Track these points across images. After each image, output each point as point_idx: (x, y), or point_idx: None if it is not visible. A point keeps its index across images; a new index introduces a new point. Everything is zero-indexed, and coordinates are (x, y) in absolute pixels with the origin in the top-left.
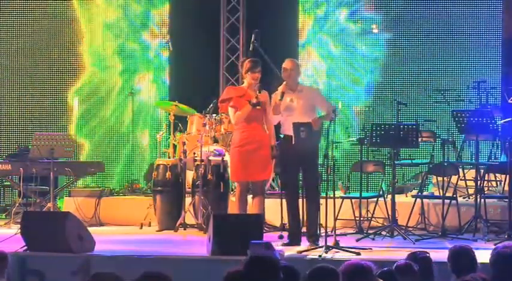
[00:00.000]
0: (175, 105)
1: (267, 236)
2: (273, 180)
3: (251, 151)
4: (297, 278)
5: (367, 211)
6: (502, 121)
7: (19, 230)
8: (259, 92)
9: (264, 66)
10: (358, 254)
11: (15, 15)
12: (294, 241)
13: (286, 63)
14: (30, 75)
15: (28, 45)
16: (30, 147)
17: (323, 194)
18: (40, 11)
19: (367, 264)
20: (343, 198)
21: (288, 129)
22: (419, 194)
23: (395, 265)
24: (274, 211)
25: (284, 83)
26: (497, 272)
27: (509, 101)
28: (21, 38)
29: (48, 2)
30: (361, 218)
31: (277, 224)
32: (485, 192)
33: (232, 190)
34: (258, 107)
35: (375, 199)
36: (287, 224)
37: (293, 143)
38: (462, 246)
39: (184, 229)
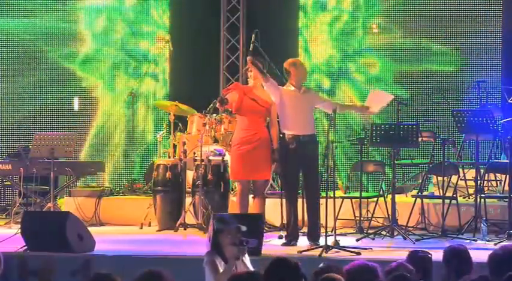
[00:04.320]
0: (175, 105)
1: (267, 236)
2: (273, 180)
3: (251, 150)
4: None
5: (367, 211)
6: (502, 121)
7: (19, 230)
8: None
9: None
10: (359, 254)
11: (15, 15)
12: (292, 240)
13: (291, 63)
14: (31, 75)
15: (28, 45)
16: (30, 147)
17: (323, 194)
18: (40, 11)
19: (372, 264)
20: (343, 198)
21: (289, 128)
22: (419, 194)
23: (386, 269)
24: (274, 211)
25: (291, 81)
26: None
27: (509, 101)
28: (21, 39)
29: (48, 2)
30: (361, 218)
31: (277, 224)
32: (485, 192)
33: (232, 190)
34: (223, 105)
35: (375, 199)
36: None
37: None
38: (457, 246)
39: (185, 229)
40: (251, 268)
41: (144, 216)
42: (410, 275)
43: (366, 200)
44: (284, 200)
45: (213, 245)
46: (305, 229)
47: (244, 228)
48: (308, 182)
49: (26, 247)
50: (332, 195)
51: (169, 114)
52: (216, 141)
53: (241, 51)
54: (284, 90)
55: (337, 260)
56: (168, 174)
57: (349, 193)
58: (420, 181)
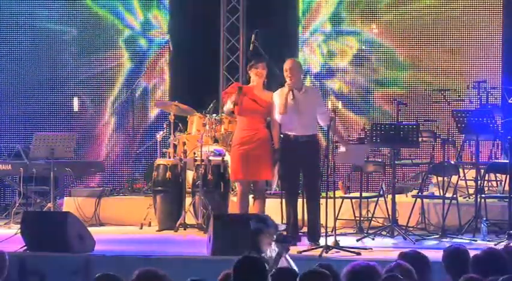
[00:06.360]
0: (175, 105)
1: None
2: None
3: (251, 150)
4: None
5: (367, 211)
6: (502, 121)
7: (19, 230)
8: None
9: None
10: (358, 254)
11: (15, 15)
12: (292, 240)
13: (287, 64)
14: (31, 75)
15: (28, 44)
16: (30, 147)
17: (323, 194)
18: (40, 11)
19: (372, 264)
20: (343, 198)
21: (290, 129)
22: (419, 194)
23: (385, 269)
24: (274, 211)
25: (287, 83)
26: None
27: (509, 101)
28: (22, 38)
29: (48, 2)
30: (361, 218)
31: None
32: (486, 192)
33: (232, 190)
34: (235, 105)
35: (375, 199)
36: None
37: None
38: (457, 246)
39: (184, 229)
40: (293, 265)
41: (144, 216)
42: (405, 276)
43: (366, 200)
44: (284, 200)
45: (252, 245)
46: (305, 229)
47: (282, 226)
48: (308, 182)
49: (26, 247)
50: (332, 195)
51: (169, 114)
52: (216, 141)
53: (241, 51)
54: (281, 93)
55: (336, 261)
56: (168, 174)
57: (349, 193)
58: (420, 181)
